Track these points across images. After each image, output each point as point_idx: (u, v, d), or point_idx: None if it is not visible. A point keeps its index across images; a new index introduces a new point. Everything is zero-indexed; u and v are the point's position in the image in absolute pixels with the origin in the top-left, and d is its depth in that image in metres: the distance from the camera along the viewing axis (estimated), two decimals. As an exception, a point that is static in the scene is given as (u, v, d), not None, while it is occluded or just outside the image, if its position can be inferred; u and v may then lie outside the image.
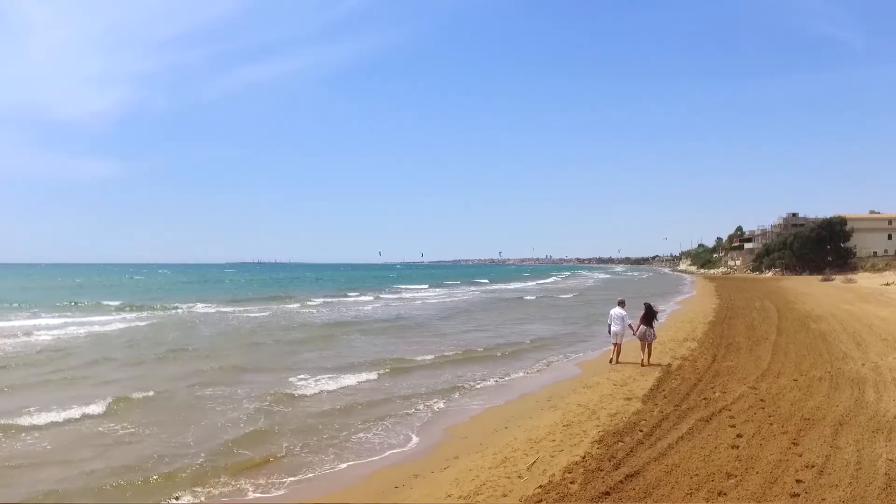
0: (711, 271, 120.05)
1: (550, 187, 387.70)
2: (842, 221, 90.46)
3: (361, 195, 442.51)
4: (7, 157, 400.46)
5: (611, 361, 15.27)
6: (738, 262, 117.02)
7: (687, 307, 34.95)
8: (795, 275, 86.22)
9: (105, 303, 39.72)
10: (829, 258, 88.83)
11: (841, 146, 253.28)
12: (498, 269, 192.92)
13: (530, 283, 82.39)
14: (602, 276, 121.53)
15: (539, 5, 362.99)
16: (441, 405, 11.86)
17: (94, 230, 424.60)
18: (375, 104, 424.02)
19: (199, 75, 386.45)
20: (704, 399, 10.67)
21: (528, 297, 49.33)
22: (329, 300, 44.90)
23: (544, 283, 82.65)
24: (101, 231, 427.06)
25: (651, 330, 15.06)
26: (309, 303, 41.75)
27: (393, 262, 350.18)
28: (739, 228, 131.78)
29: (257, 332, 24.47)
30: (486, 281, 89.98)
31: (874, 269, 79.46)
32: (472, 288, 70.07)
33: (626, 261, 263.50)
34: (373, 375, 14.66)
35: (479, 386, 13.71)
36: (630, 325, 15.23)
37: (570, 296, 51.67)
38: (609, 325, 15.56)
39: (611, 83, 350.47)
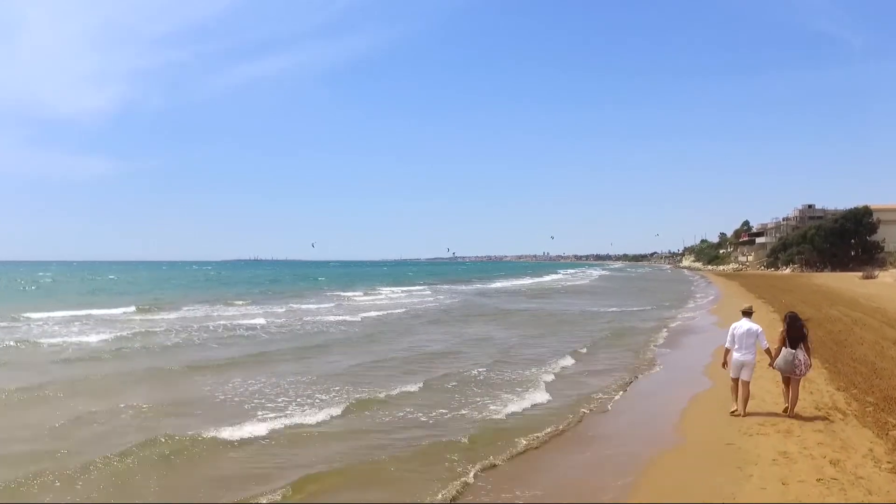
0: (721, 267, 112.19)
1: (547, 186, 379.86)
2: (868, 212, 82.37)
3: (361, 195, 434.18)
4: (2, 156, 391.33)
5: (733, 412, 9.32)
6: (749, 258, 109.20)
7: (727, 314, 26.03)
8: (817, 271, 78.59)
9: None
10: (853, 252, 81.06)
11: (842, 140, 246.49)
12: (501, 266, 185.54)
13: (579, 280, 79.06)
14: (632, 272, 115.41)
15: (538, 4, 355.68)
16: None
17: (91, 228, 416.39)
18: (374, 103, 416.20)
19: (195, 73, 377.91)
20: None
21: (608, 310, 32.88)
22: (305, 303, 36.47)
23: (593, 282, 76.94)
24: (97, 229, 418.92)
25: (803, 356, 8.88)
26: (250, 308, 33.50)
27: (392, 259, 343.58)
28: (746, 223, 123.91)
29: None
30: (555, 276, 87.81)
31: (904, 264, 71.96)
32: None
33: (624, 257, 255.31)
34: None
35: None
36: (767, 351, 9.30)
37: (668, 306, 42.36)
38: (727, 350, 9.55)
39: (608, 81, 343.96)
